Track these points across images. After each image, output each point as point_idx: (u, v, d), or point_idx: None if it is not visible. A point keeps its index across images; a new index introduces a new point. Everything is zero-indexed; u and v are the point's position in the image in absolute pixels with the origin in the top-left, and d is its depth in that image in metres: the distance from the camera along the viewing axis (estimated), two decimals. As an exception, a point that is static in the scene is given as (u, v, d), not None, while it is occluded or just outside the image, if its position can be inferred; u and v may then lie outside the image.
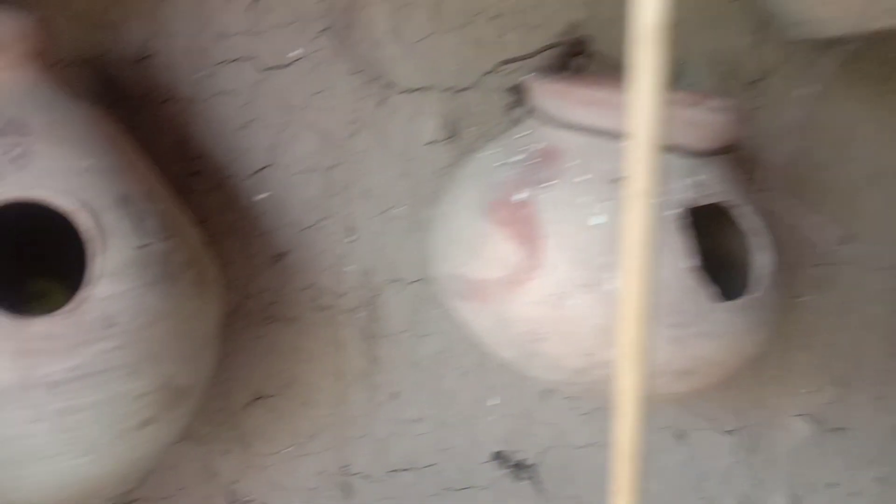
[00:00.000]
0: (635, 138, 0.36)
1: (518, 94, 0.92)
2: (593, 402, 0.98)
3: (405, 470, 1.05)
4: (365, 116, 0.94)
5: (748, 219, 0.72)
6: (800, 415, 1.16)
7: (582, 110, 0.69)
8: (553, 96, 0.73)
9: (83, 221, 0.63)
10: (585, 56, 0.95)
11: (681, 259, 0.65)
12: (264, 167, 0.92)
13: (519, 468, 1.09)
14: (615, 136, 0.68)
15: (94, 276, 0.63)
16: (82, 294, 0.63)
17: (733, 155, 0.80)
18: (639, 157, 0.36)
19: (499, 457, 1.08)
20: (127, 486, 0.74)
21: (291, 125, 0.92)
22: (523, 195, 0.69)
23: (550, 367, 0.72)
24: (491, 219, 0.70)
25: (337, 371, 1.00)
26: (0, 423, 0.61)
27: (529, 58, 0.94)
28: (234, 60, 0.89)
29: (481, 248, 0.71)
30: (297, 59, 0.90)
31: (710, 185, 0.69)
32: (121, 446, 0.68)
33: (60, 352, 0.61)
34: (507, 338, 0.72)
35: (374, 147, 0.95)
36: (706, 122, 0.69)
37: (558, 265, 0.66)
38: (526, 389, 1.05)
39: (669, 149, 0.68)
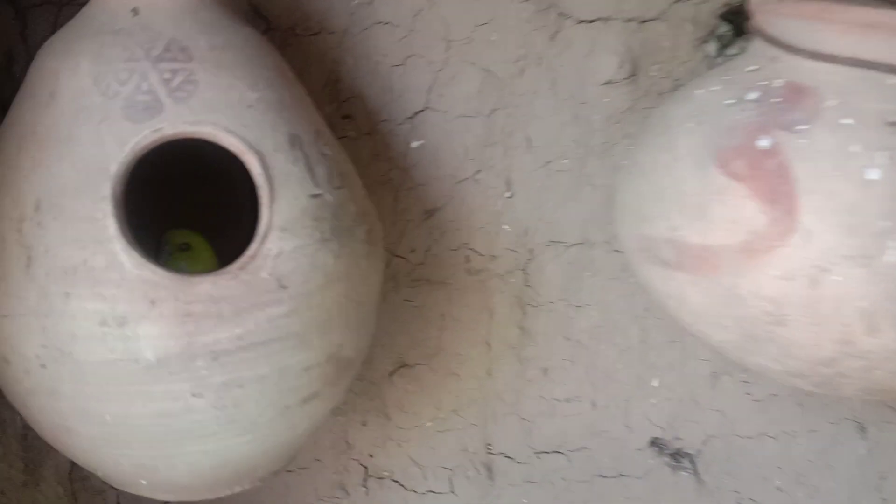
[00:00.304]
0: None
1: (732, 20, 0.78)
2: (828, 396, 0.84)
3: (553, 453, 0.95)
4: (534, 52, 0.81)
5: None
6: None
7: (848, 37, 0.55)
8: (801, 20, 0.59)
9: (253, 164, 0.54)
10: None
11: None
12: (420, 111, 0.81)
13: (677, 457, 0.97)
14: (891, 68, 0.54)
15: (263, 230, 0.54)
16: (250, 251, 0.53)
17: None
18: None
19: (656, 444, 0.96)
20: (279, 466, 0.66)
21: (452, 62, 0.80)
22: (767, 142, 0.56)
23: (784, 355, 0.59)
24: (723, 171, 0.57)
25: (485, 341, 0.90)
26: (157, 396, 0.52)
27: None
28: (393, -15, 0.78)
29: (708, 206, 0.58)
30: (462, -16, 0.79)
31: None
32: (281, 424, 0.59)
33: (227, 317, 0.52)
34: (733, 318, 0.60)
35: (541, 88, 0.82)
36: None
37: (820, 231, 0.53)
38: (693, 371, 0.93)
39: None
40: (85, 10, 0.57)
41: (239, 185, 0.80)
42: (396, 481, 0.94)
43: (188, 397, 0.53)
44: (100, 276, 0.50)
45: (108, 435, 0.54)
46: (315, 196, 0.57)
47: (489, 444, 0.94)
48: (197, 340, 0.51)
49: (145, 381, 0.52)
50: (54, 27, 0.69)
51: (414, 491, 0.94)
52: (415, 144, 0.82)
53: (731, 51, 0.86)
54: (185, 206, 0.76)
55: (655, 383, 0.94)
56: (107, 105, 0.52)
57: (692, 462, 0.97)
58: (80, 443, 0.56)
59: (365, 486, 0.93)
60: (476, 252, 0.87)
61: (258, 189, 0.54)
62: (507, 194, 0.85)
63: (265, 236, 0.54)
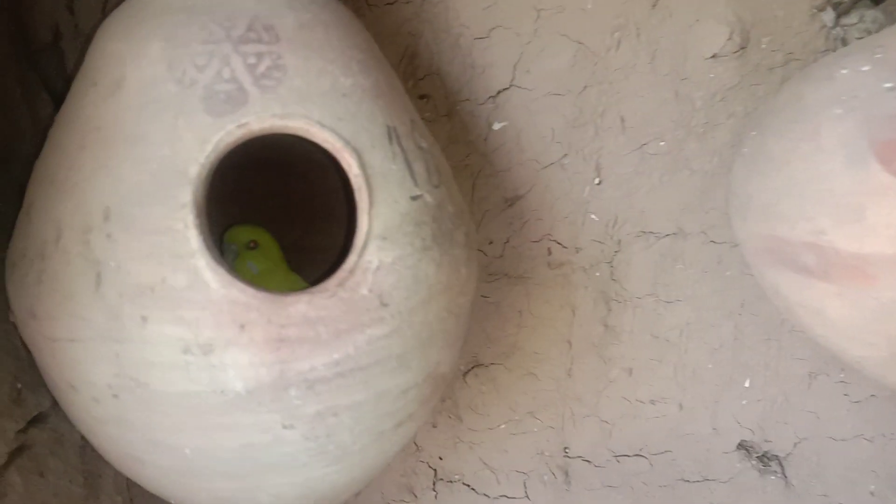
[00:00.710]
0: None
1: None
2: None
3: (634, 456, 0.89)
4: (632, 22, 0.73)
5: None
6: None
7: None
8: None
9: (351, 163, 0.46)
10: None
11: None
12: (505, 89, 0.73)
13: (765, 460, 0.91)
14: None
15: (362, 240, 0.47)
16: (348, 264, 0.46)
17: None
18: None
19: (744, 446, 0.90)
20: (362, 487, 0.60)
21: (541, 34, 0.72)
22: (944, 138, 0.48)
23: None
24: (886, 167, 0.50)
25: (566, 339, 0.83)
26: (244, 428, 0.46)
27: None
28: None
29: (865, 209, 0.51)
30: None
31: None
32: (373, 450, 0.53)
33: (324, 341, 0.45)
34: (885, 335, 0.53)
35: (639, 62, 0.74)
36: None
37: None
38: (788, 370, 0.86)
39: None
40: (148, -19, 0.50)
41: (284, 171, 0.74)
42: (467, 485, 0.88)
43: (278, 429, 0.47)
44: (181, 296, 0.43)
45: (185, 468, 0.49)
46: (415, 198, 0.50)
47: (566, 448, 0.88)
48: (291, 368, 0.45)
49: (231, 412, 0.45)
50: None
51: (486, 495, 0.88)
52: (497, 126, 0.75)
53: (849, 20, 0.78)
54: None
55: (747, 384, 0.87)
56: (183, 95, 0.44)
57: (781, 465, 0.91)
58: (153, 473, 0.51)
59: (434, 490, 0.88)
60: (559, 244, 0.80)
61: (355, 192, 0.47)
62: (596, 180, 0.78)
63: (364, 247, 0.47)
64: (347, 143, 0.46)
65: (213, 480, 0.50)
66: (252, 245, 0.62)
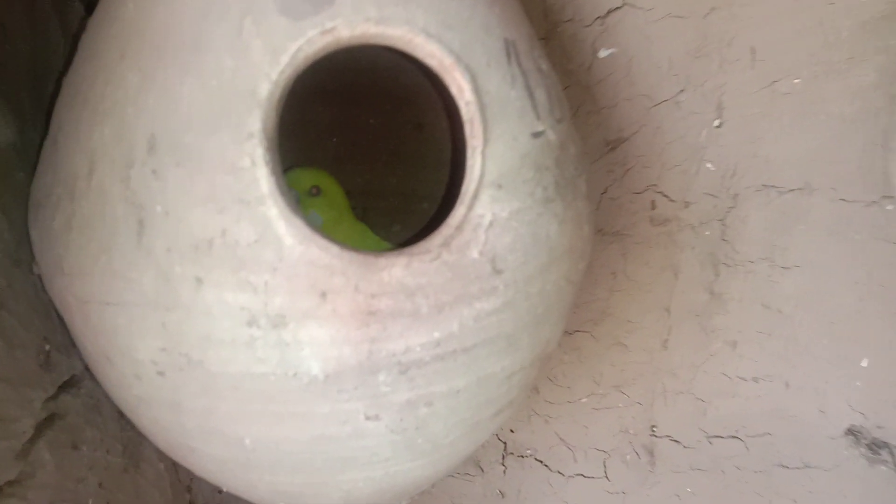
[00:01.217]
0: None
1: None
2: None
3: (729, 438, 0.79)
4: (776, -68, 0.60)
5: None
6: None
7: None
8: None
9: (464, 86, 0.36)
10: None
11: None
12: (616, 8, 0.61)
13: (875, 448, 0.81)
14: None
15: (473, 187, 0.36)
16: (454, 218, 0.36)
17: None
18: None
19: (853, 432, 0.80)
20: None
21: (666, -59, 0.60)
22: None
23: None
24: None
25: (664, 307, 0.73)
26: (319, 418, 0.37)
27: None
28: None
29: None
30: None
31: None
32: (464, 442, 0.44)
33: (424, 316, 0.35)
34: None
35: (779, -18, 0.62)
36: None
37: None
38: (915, 350, 0.75)
39: None
40: None
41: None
42: (540, 461, 0.79)
43: (359, 420, 0.37)
44: (247, 254, 0.33)
45: (245, 460, 0.40)
46: (537, 134, 0.39)
47: (654, 426, 0.79)
48: (381, 348, 0.35)
49: (304, 400, 0.36)
50: None
51: (560, 473, 0.80)
52: (603, 54, 0.63)
53: None
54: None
55: (864, 363, 0.76)
56: (251, -9, 0.34)
57: (892, 454, 0.81)
58: (204, 463, 0.42)
59: (503, 464, 0.79)
60: (665, 196, 0.68)
61: (466, 125, 0.36)
62: (716, 122, 0.66)
63: (475, 196, 0.36)
64: (459, 59, 0.35)
65: (277, 473, 0.41)
66: (314, 191, 0.53)
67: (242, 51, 0.34)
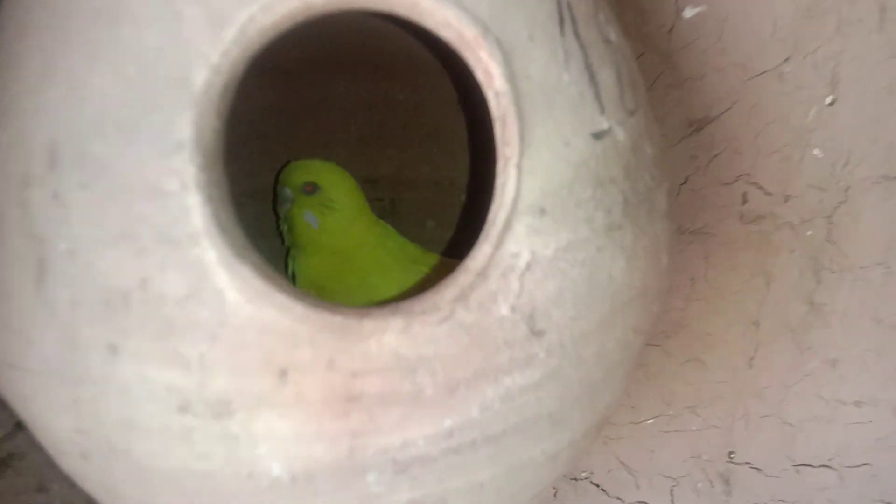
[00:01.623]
0: None
1: None
2: None
3: (821, 467, 0.67)
4: None
5: None
6: None
7: None
8: None
9: (492, 70, 0.24)
10: None
11: None
12: (708, -47, 0.48)
13: None
14: None
15: (504, 214, 0.25)
16: (476, 260, 0.25)
17: None
18: None
19: (976, 467, 0.66)
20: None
21: None
22: None
23: None
24: None
25: (753, 319, 0.60)
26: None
27: None
28: None
29: None
30: None
31: None
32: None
33: (428, 400, 0.25)
34: None
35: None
36: None
37: None
38: None
39: None
40: None
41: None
42: (596, 485, 0.69)
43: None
44: (175, 315, 0.23)
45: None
46: (600, 135, 0.27)
47: (732, 452, 0.67)
48: (369, 445, 0.24)
49: (267, 503, 0.26)
50: None
51: (619, 499, 0.69)
52: (689, 13, 0.50)
53: None
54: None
55: None
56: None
57: None
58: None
59: (554, 487, 0.69)
60: (760, 188, 0.55)
61: (496, 125, 0.25)
62: (828, 99, 0.52)
63: (507, 227, 0.25)
64: (487, 30, 0.24)
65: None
66: (308, 188, 0.42)
67: (171, 23, 0.23)
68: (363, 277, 0.44)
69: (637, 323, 0.30)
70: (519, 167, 0.25)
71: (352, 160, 0.52)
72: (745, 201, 0.55)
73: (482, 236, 0.25)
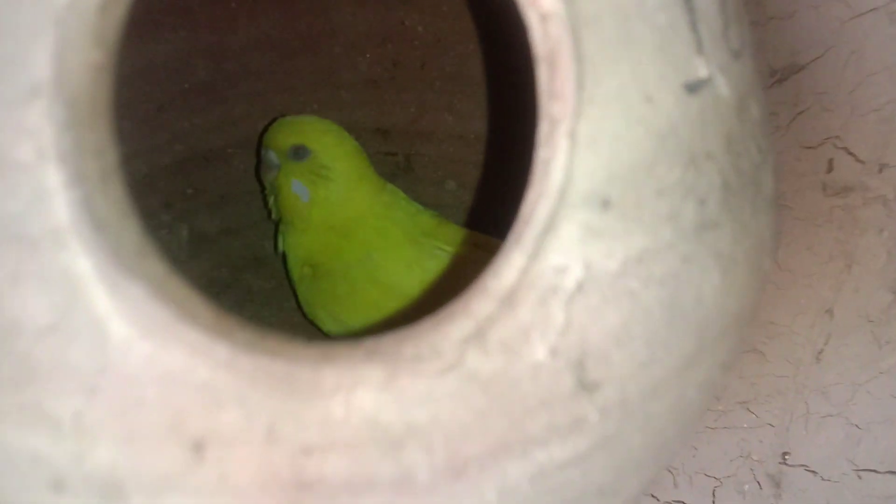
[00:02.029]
0: None
1: None
2: None
3: (886, 474, 0.58)
4: None
5: None
6: None
7: None
8: None
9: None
10: None
11: None
12: None
13: None
14: None
15: (547, 205, 0.16)
16: (504, 276, 0.16)
17: None
18: None
19: None
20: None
21: None
22: None
23: None
24: None
25: (827, 307, 0.50)
26: None
27: None
28: None
29: None
30: None
31: None
32: None
33: (421, 487, 0.16)
34: None
35: None
36: None
37: None
38: None
39: None
40: None
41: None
42: (628, 479, 0.61)
43: None
44: (38, 353, 0.15)
45: None
46: (696, 86, 0.18)
47: (786, 453, 0.58)
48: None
49: None
50: None
51: (654, 497, 0.61)
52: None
53: None
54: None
55: None
56: None
57: None
58: None
59: (579, 479, 0.61)
60: (850, 154, 0.45)
61: (537, 69, 0.16)
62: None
63: (550, 227, 0.16)
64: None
65: None
66: (297, 152, 0.34)
67: None
68: (365, 253, 0.36)
69: (727, 358, 0.21)
70: (573, 136, 0.16)
71: (359, 106, 0.43)
72: (830, 169, 0.45)
73: (510, 240, 0.16)
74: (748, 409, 0.55)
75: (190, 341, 0.14)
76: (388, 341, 0.15)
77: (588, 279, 0.16)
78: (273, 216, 0.38)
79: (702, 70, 0.18)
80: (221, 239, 0.42)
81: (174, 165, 0.40)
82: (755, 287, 0.21)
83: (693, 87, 0.18)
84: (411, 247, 0.36)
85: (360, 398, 0.15)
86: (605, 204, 0.16)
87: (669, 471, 0.59)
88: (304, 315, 0.39)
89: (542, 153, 0.16)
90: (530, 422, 0.16)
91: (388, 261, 0.36)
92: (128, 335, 0.14)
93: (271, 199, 0.37)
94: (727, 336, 0.20)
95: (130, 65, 0.37)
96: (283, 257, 0.38)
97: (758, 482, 0.59)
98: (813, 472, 0.59)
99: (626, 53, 0.16)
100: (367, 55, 0.43)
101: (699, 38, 0.18)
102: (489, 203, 0.42)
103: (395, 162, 0.45)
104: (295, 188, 0.35)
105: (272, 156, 0.36)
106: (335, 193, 0.35)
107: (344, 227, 0.36)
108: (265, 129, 0.38)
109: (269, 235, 0.43)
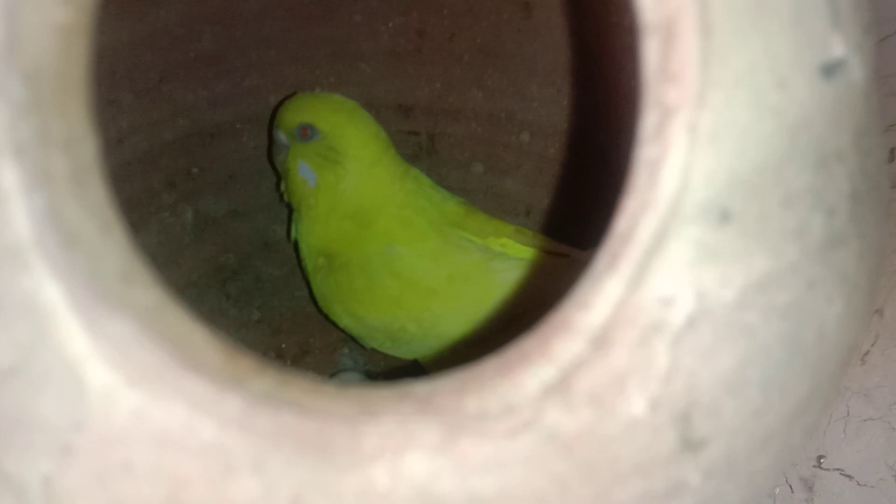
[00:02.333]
0: None
1: None
2: None
3: (926, 480, 0.55)
4: None
5: None
6: None
7: None
8: None
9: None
10: None
11: None
12: None
13: None
14: None
15: (656, 217, 0.13)
16: (590, 308, 0.13)
17: None
18: None
19: None
20: None
21: None
22: None
23: None
24: None
25: (877, 305, 0.47)
26: None
27: None
28: None
29: None
30: None
31: None
32: None
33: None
34: None
35: None
36: None
37: None
38: None
39: None
40: None
41: None
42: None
43: None
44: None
45: None
46: (832, 69, 0.14)
47: (822, 456, 0.55)
48: None
49: None
50: None
51: (677, 497, 0.58)
52: None
53: None
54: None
55: None
56: None
57: None
58: None
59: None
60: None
61: (644, 35, 0.12)
62: None
63: (657, 246, 0.13)
64: None
65: None
66: (304, 133, 0.30)
67: None
68: (386, 244, 0.32)
69: (833, 397, 0.17)
70: (693, 129, 0.12)
71: (379, 80, 0.39)
72: (892, 158, 0.41)
73: (601, 263, 0.12)
74: (784, 410, 0.52)
75: (191, 391, 0.11)
76: (446, 390, 0.12)
77: (700, 312, 0.13)
78: (285, 199, 0.34)
79: (838, 49, 0.14)
80: (229, 222, 0.39)
81: (178, 142, 0.37)
82: (869, 309, 0.17)
83: (829, 70, 0.14)
84: (436, 238, 0.33)
85: (410, 464, 0.12)
86: (725, 216, 0.13)
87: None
88: (318, 308, 0.35)
89: (647, 151, 0.12)
90: (620, 491, 0.13)
91: (411, 253, 0.32)
92: (110, 383, 0.11)
93: (283, 184, 0.34)
94: (841, 373, 0.16)
95: (129, 31, 0.33)
96: (296, 245, 0.35)
97: (790, 485, 0.56)
98: (848, 476, 0.56)
99: (759, 25, 0.12)
100: (390, 24, 0.39)
101: (836, 9, 0.14)
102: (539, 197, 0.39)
103: (418, 142, 0.41)
104: (302, 171, 0.31)
105: (281, 136, 0.32)
106: (345, 179, 0.31)
107: (361, 215, 0.32)
108: (278, 107, 0.34)
109: (280, 219, 0.39)
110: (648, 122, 0.12)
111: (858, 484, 0.56)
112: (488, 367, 0.12)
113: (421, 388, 0.12)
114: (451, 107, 0.40)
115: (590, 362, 0.12)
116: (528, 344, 0.12)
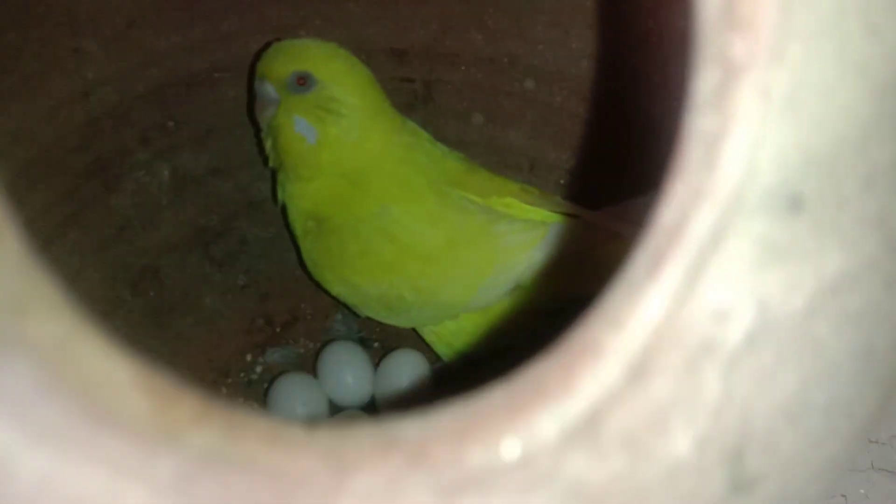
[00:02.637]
0: None
1: None
2: None
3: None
4: None
5: None
6: None
7: None
8: None
9: None
10: None
11: None
12: None
13: None
14: None
15: (716, 207, 0.10)
16: (622, 322, 0.10)
17: None
18: None
19: None
20: None
21: None
22: None
23: None
24: None
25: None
26: None
27: None
28: None
29: None
30: None
31: None
32: None
33: None
34: None
35: None
36: None
37: None
38: None
39: None
40: None
41: None
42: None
43: None
44: None
45: None
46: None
47: (871, 461, 0.53)
48: None
49: None
50: None
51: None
52: None
53: None
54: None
55: None
56: None
57: None
58: None
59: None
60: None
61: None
62: None
63: (714, 246, 0.10)
64: None
65: None
66: (300, 82, 0.27)
67: None
68: (381, 205, 0.29)
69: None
70: (767, 93, 0.09)
71: (369, 22, 0.35)
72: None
73: (639, 268, 0.10)
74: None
75: (110, 452, 0.08)
76: (443, 436, 0.09)
77: (761, 327, 0.10)
78: (271, 163, 0.31)
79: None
80: (209, 180, 0.36)
81: (150, 94, 0.33)
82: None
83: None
84: (435, 198, 0.30)
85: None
86: (796, 204, 0.10)
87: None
88: (308, 275, 0.33)
89: (704, 122, 0.09)
90: (659, 544, 0.10)
91: (408, 214, 0.29)
92: (7, 444, 0.08)
93: (268, 143, 0.30)
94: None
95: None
96: (283, 209, 0.32)
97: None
98: (891, 471, 0.54)
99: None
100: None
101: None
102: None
103: (412, 90, 0.37)
104: (298, 127, 0.28)
105: (269, 88, 0.28)
106: (348, 132, 0.28)
107: (356, 173, 0.29)
108: (258, 55, 0.30)
109: (265, 175, 0.36)
110: (706, 82, 0.09)
111: None
112: (496, 403, 0.10)
113: (412, 431, 0.09)
114: (449, 50, 0.37)
115: (624, 396, 0.10)
116: (546, 373, 0.10)
